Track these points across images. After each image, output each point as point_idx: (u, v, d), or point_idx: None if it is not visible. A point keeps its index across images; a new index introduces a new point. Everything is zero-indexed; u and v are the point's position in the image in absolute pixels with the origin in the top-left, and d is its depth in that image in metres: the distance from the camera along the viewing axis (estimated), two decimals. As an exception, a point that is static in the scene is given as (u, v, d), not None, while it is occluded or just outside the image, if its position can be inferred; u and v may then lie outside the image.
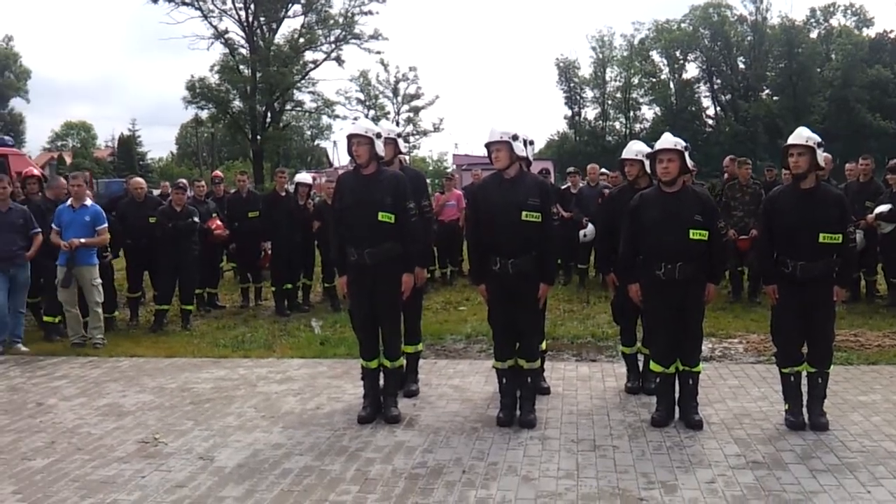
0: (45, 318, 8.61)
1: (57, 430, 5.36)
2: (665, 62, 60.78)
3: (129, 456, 4.79)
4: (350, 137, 5.30)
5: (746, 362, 6.89)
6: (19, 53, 64.09)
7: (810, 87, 55.24)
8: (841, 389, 5.78)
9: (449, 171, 31.72)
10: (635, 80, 60.78)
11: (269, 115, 43.68)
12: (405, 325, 5.76)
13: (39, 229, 7.98)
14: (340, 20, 43.25)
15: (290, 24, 44.23)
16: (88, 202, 8.18)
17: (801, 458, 4.52)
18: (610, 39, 61.25)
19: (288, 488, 4.22)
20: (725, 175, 10.58)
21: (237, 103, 43.05)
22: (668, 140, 5.15)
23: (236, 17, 42.25)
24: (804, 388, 5.10)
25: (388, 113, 52.70)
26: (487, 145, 5.19)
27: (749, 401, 5.66)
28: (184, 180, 10.51)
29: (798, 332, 5.07)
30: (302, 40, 43.33)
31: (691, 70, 61.23)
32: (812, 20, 59.14)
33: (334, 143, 72.67)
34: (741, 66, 59.50)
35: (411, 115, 53.25)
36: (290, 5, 42.83)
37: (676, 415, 5.21)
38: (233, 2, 41.86)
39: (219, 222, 10.01)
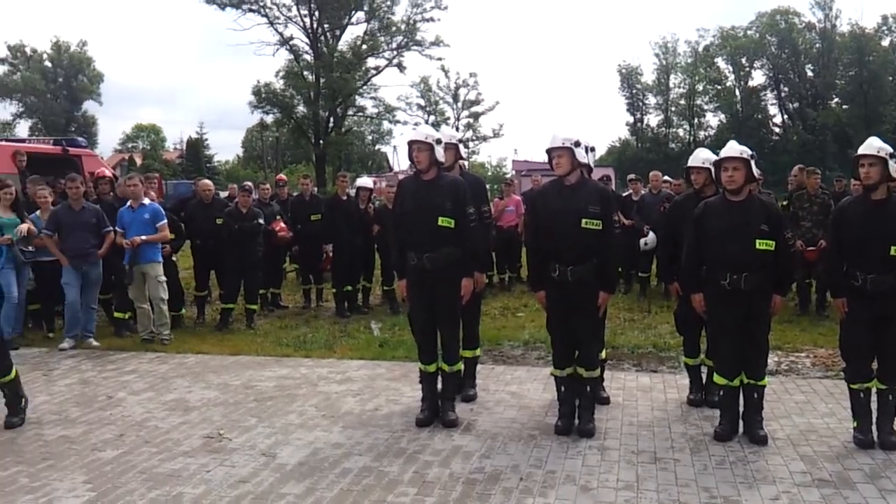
0: (116, 315, 8.92)
1: (126, 423, 5.55)
2: (730, 69, 59.55)
3: (194, 450, 4.93)
4: (411, 143, 5.36)
5: (814, 377, 6.69)
6: (92, 58, 66.59)
7: (882, 97, 53.26)
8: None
9: (508, 176, 31.62)
10: (700, 87, 59.72)
11: (331, 119, 44.42)
12: (464, 330, 5.78)
13: (111, 228, 8.28)
14: (402, 27, 43.79)
15: (354, 31, 45.12)
16: (146, 201, 8.42)
17: (870, 478, 4.37)
18: (674, 46, 60.39)
19: (347, 488, 4.28)
20: (791, 185, 10.30)
21: (301, 108, 43.91)
22: (733, 148, 5.05)
23: (301, 23, 43.19)
24: (874, 405, 4.93)
25: (448, 118, 53.07)
26: (549, 151, 5.18)
27: (816, 417, 5.50)
28: (249, 183, 10.77)
29: (868, 346, 4.91)
30: (365, 47, 43.99)
31: (757, 77, 59.88)
32: (884, 28, 57.01)
33: (394, 147, 73.53)
34: (809, 73, 57.82)
35: (471, 120, 53.51)
36: (353, 12, 43.50)
37: (740, 429, 5.09)
38: (298, 9, 42.82)
39: (282, 224, 10.21)
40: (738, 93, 59.29)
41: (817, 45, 56.46)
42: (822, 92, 56.31)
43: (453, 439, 5.09)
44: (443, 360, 5.49)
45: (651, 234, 10.30)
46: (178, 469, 4.60)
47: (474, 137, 52.87)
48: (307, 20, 43.17)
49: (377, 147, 65.97)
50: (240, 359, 7.57)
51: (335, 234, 10.12)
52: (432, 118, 52.29)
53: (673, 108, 60.97)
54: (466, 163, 6.22)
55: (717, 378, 5.22)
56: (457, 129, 48.82)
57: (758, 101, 59.20)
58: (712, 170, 5.59)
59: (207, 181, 10.34)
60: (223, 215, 9.33)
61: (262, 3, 41.54)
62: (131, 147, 69.71)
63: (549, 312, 5.33)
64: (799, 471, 4.49)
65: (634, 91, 61.66)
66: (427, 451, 4.87)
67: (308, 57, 43.50)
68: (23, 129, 60.10)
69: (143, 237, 8.10)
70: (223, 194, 12.21)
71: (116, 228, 8.24)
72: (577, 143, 5.09)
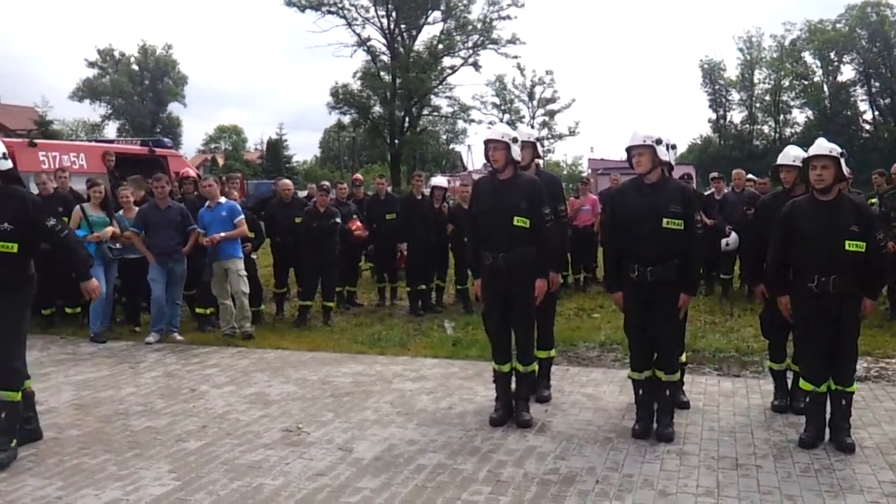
0: (198, 310, 9.21)
1: (209, 415, 5.73)
2: (818, 64, 57.13)
3: (274, 443, 5.05)
4: (487, 142, 5.34)
5: (908, 385, 6.37)
6: (177, 61, 69.06)
7: (978, 91, 50.19)
8: None
9: (584, 175, 31.22)
10: (786, 83, 57.56)
11: (407, 119, 44.82)
12: (538, 330, 5.73)
13: (195, 226, 8.56)
14: (479, 26, 43.81)
15: (430, 31, 45.27)
16: (223, 199, 8.68)
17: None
18: (759, 40, 58.33)
19: (422, 484, 4.31)
20: (876, 188, 9.80)
21: (377, 108, 44.43)
22: (822, 146, 4.85)
23: (378, 24, 43.72)
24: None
25: (524, 117, 52.88)
26: (629, 149, 5.08)
27: (910, 427, 5.23)
28: (327, 182, 10.96)
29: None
30: (441, 46, 44.20)
31: (847, 72, 57.22)
32: (980, 19, 53.67)
33: (468, 147, 73.60)
34: (901, 68, 54.96)
35: (546, 118, 53.17)
36: (430, 12, 43.75)
37: (826, 437, 4.89)
38: (376, 9, 43.32)
39: (358, 223, 10.35)
40: (826, 88, 56.87)
41: (910, 38, 53.66)
42: (916, 87, 53.51)
43: (527, 440, 5.05)
44: (517, 361, 5.46)
45: (733, 235, 10.00)
46: (259, 461, 4.72)
47: (550, 135, 52.52)
48: (384, 21, 43.72)
49: (451, 146, 66.21)
50: (317, 355, 7.72)
51: (410, 233, 10.20)
52: (507, 116, 52.21)
53: (757, 105, 58.96)
54: (541, 161, 6.15)
55: (803, 384, 5.03)
56: (532, 127, 48.55)
57: (847, 96, 56.64)
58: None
59: (287, 181, 10.57)
60: (302, 214, 9.52)
61: (340, 5, 42.29)
62: (213, 147, 71.96)
63: (627, 314, 5.23)
64: (888, 480, 4.29)
65: (717, 87, 59.90)
66: (501, 450, 4.86)
67: (385, 57, 44.02)
68: (111, 130, 62.93)
69: (223, 234, 8.35)
70: (302, 194, 12.46)
71: (197, 228, 8.52)
72: (659, 141, 4.97)
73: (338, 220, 9.47)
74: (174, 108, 69.34)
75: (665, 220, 4.91)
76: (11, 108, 49.03)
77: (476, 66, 44.77)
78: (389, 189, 11.90)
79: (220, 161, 57.21)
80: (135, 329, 8.99)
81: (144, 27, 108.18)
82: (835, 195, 4.82)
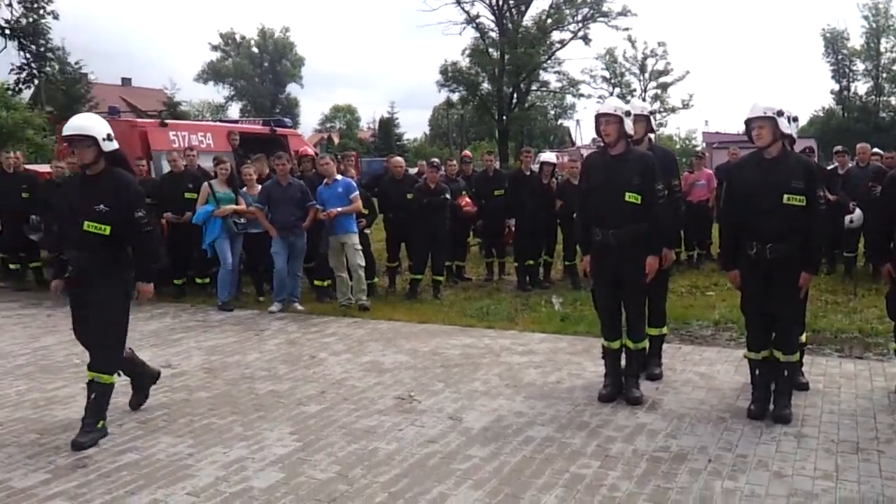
0: (316, 282, 9.61)
1: (327, 381, 6.01)
2: (954, 30, 52.50)
3: (387, 409, 5.26)
4: (599, 116, 5.29)
5: None
6: (295, 43, 71.22)
7: None
8: None
9: (698, 149, 30.17)
10: (915, 52, 53.23)
11: (515, 95, 44.57)
12: (650, 307, 5.68)
13: (314, 202, 8.90)
14: (589, -1, 42.83)
15: (539, 5, 45.05)
16: (339, 176, 8.97)
17: None
18: (886, 7, 53.98)
19: (530, 455, 4.39)
20: None
21: (486, 85, 44.40)
22: None
23: (487, 1, 43.44)
24: None
25: (635, 90, 51.51)
26: (748, 121, 4.91)
27: None
28: (437, 159, 11.11)
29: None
30: (549, 21, 43.55)
31: None
32: None
33: (577, 122, 72.31)
34: None
35: (659, 91, 51.63)
36: (539, -14, 43.16)
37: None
38: (485, -14, 43.10)
39: (467, 199, 10.46)
40: (957, 57, 52.27)
41: None
42: None
43: (637, 417, 5.04)
44: (627, 337, 5.43)
45: (857, 211, 9.48)
46: (374, 426, 4.93)
47: (662, 109, 50.93)
48: (493, -3, 43.46)
49: (560, 122, 65.40)
50: (427, 327, 7.91)
51: (518, 209, 10.23)
52: (618, 90, 50.96)
53: (884, 75, 54.72)
54: (652, 135, 6.03)
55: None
56: (644, 100, 47.20)
57: (983, 66, 51.86)
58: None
59: (399, 158, 10.79)
60: (413, 190, 9.71)
61: (450, -17, 42.34)
62: (329, 127, 73.86)
63: (744, 292, 5.09)
64: None
65: (840, 56, 56.08)
66: (610, 426, 4.87)
67: (493, 34, 43.84)
68: (234, 110, 65.73)
69: (339, 209, 8.65)
70: (412, 171, 12.67)
71: (316, 205, 8.86)
72: (780, 113, 4.78)
73: (447, 196, 9.60)
74: (292, 88, 71.75)
75: (786, 196, 4.74)
76: (143, 90, 52.08)
77: (586, 39, 43.99)
78: (497, 165, 11.94)
79: (336, 139, 58.72)
80: (259, 299, 9.49)
81: (264, 11, 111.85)
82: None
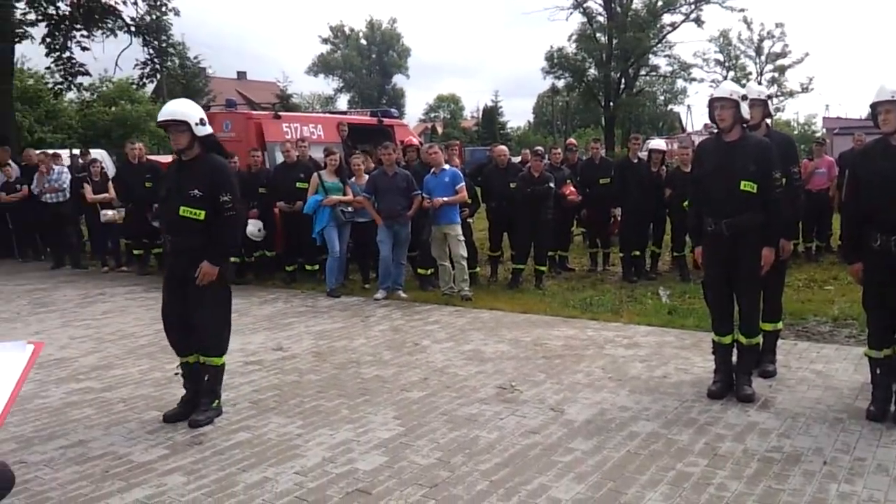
0: (420, 270, 9.73)
1: (429, 368, 6.09)
2: None
3: (489, 398, 5.27)
4: (713, 101, 5.09)
5: None
6: (401, 34, 72.33)
7: None
8: None
9: (818, 135, 28.61)
10: None
11: (623, 81, 43.57)
12: (764, 301, 5.43)
13: (419, 191, 9.01)
14: (702, -22, 41.20)
15: (649, -13, 43.33)
16: (446, 166, 9.02)
17: None
18: None
19: (634, 451, 4.30)
20: None
21: (592, 71, 43.63)
22: None
23: (596, -15, 42.56)
24: None
25: (750, 74, 49.28)
26: (874, 105, 4.60)
27: None
28: (541, 148, 11.00)
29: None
30: (660, 3, 42.19)
31: None
32: None
33: (688, 107, 69.95)
34: None
35: (776, 74, 49.12)
36: (650, -32, 41.91)
37: None
38: (593, -30, 42.23)
39: (572, 188, 10.33)
40: None
41: None
42: None
43: (748, 415, 4.84)
44: (740, 332, 5.23)
45: None
46: (475, 414, 4.96)
47: (779, 93, 48.51)
48: (601, -20, 42.54)
49: (669, 107, 63.34)
50: (529, 317, 7.88)
51: (624, 198, 10.01)
52: (732, 74, 48.92)
53: None
54: (769, 121, 5.75)
55: None
56: (759, 84, 45.10)
57: None
58: None
59: (503, 147, 10.75)
60: (516, 179, 9.67)
61: (557, -33, 41.70)
62: (433, 116, 74.62)
63: (866, 287, 4.80)
64: None
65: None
66: (719, 423, 4.71)
67: (601, 18, 42.91)
68: (342, 102, 67.41)
69: (445, 199, 8.72)
70: (516, 159, 12.61)
71: (422, 193, 8.96)
72: (910, 96, 4.47)
73: (551, 184, 9.51)
74: (398, 79, 72.91)
75: (915, 186, 4.42)
76: (256, 83, 54.10)
77: (698, 21, 42.26)
78: (604, 153, 11.70)
79: (440, 129, 59.22)
80: (364, 286, 9.70)
81: (372, 3, 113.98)
82: None
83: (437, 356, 6.42)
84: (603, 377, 5.72)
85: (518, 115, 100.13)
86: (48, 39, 18.99)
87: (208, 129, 4.86)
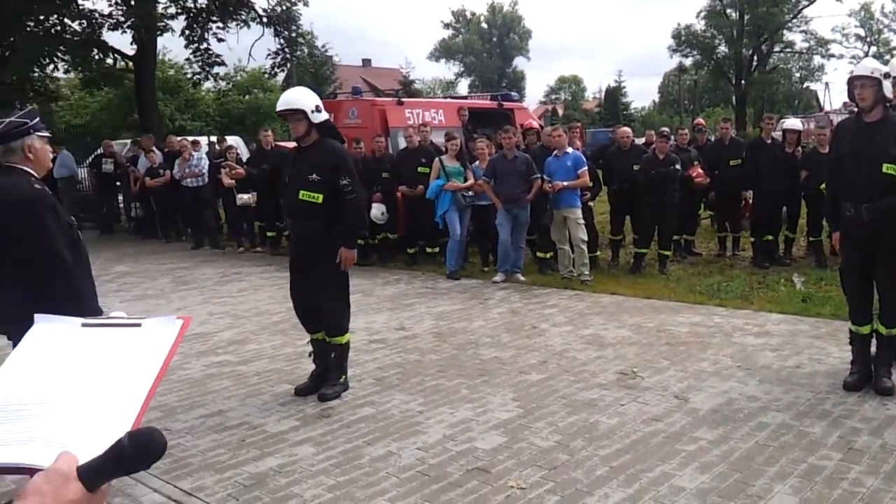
0: (539, 254, 9.72)
1: (548, 351, 6.09)
2: None
3: (609, 384, 5.23)
4: (853, 79, 4.79)
5: None
6: (522, 16, 71.83)
7: None
8: None
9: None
10: None
11: (755, 58, 41.55)
12: (909, 290, 5.09)
13: (539, 175, 8.98)
14: (845, -54, 38.54)
15: (784, -41, 40.96)
16: (569, 149, 8.92)
17: None
18: None
19: (763, 442, 4.16)
20: None
21: (722, 48, 41.94)
22: None
23: (727, -42, 40.69)
24: None
25: (894, 49, 45.60)
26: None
27: None
28: (667, 129, 10.69)
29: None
30: (797, -26, 39.84)
31: None
32: None
33: (826, 84, 65.74)
34: None
35: (927, 49, 45.25)
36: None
37: None
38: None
39: (699, 170, 9.98)
40: None
41: None
42: None
43: (887, 408, 4.57)
44: (880, 322, 4.93)
45: None
46: (595, 399, 4.93)
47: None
48: (734, -47, 40.59)
49: (806, 85, 59.68)
50: (652, 302, 7.72)
51: (756, 180, 9.57)
52: (874, 49, 45.51)
53: None
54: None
55: None
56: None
57: None
58: None
59: (626, 128, 10.55)
60: (640, 161, 9.45)
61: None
62: (554, 98, 73.77)
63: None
64: None
65: None
66: (855, 416, 4.47)
67: (732, -7, 40.99)
68: (463, 86, 67.77)
69: (565, 183, 8.65)
70: (639, 141, 12.31)
71: (543, 175, 8.92)
72: None
73: (678, 166, 9.23)
74: (518, 62, 72.50)
75: None
76: (381, 70, 55.22)
77: (840, -8, 39.60)
78: (734, 133, 11.21)
79: (560, 111, 58.49)
80: (483, 269, 9.80)
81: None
82: None
83: (555, 339, 6.42)
84: (731, 366, 5.54)
85: (642, 95, 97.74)
86: (187, 31, 20.23)
87: (324, 116, 4.99)
